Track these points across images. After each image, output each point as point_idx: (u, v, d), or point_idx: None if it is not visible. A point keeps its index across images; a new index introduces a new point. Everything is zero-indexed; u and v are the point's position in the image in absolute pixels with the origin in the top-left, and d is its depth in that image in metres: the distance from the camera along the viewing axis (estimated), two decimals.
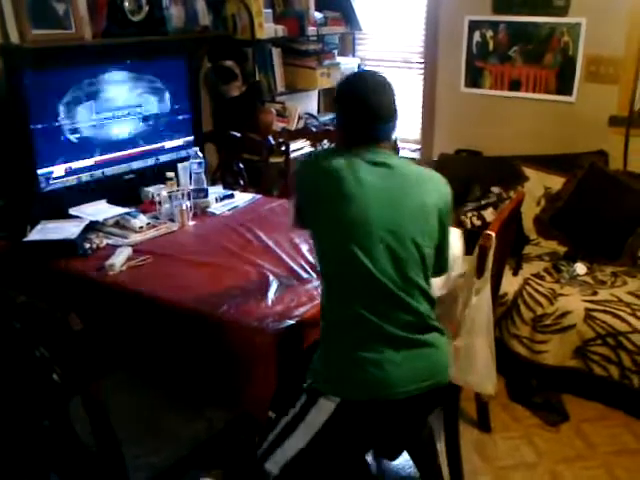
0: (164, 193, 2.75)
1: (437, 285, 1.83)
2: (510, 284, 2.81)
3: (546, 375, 2.76)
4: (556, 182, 3.35)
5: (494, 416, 2.61)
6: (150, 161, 3.03)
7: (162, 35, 3.03)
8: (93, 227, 2.53)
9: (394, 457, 2.15)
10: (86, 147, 2.75)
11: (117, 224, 2.60)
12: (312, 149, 3.69)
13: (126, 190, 2.86)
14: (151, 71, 2.91)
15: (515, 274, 2.91)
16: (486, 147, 3.74)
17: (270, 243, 2.43)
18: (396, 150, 1.73)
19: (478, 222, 3.18)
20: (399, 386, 1.57)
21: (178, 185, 2.87)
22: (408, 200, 1.59)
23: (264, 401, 1.76)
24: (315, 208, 1.65)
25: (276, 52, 3.57)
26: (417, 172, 1.67)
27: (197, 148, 2.97)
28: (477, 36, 3.68)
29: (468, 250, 2.16)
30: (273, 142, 3.25)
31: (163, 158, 3.08)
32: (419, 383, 1.59)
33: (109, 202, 2.79)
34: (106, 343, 1.99)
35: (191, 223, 2.67)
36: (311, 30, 3.66)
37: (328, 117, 4.10)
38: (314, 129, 3.52)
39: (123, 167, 2.91)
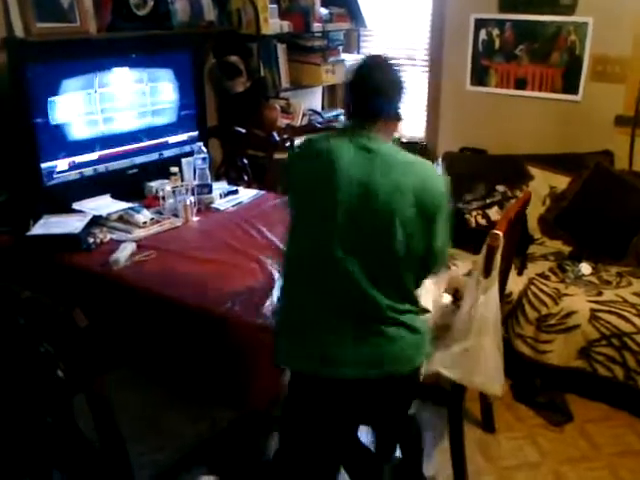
0: (168, 188, 2.74)
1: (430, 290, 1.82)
2: (515, 284, 2.79)
3: (550, 375, 2.75)
4: (561, 181, 3.34)
5: (498, 416, 2.60)
6: (154, 156, 3.02)
7: (167, 29, 3.01)
8: (97, 222, 2.52)
9: (387, 457, 2.11)
10: (90, 141, 2.73)
11: (121, 219, 2.59)
12: None
13: (130, 185, 2.85)
14: (156, 66, 2.90)
15: (520, 274, 2.89)
16: (491, 145, 3.72)
17: (274, 239, 2.42)
18: (397, 128, 1.69)
19: (483, 221, 3.16)
20: (340, 365, 1.57)
21: (182, 180, 2.86)
22: (381, 186, 1.52)
23: (269, 398, 1.75)
24: (291, 189, 1.72)
25: (281, 48, 3.55)
26: (399, 158, 1.59)
27: (201, 143, 2.96)
28: (483, 34, 3.66)
29: (474, 249, 2.15)
30: (278, 138, 3.24)
31: (167, 153, 3.06)
32: (364, 369, 1.58)
33: (113, 197, 2.78)
34: (110, 339, 1.98)
35: (195, 219, 2.65)
36: (316, 26, 3.64)
37: (332, 114, 4.08)
38: (318, 125, 3.50)
39: (127, 162, 2.90)
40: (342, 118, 4.12)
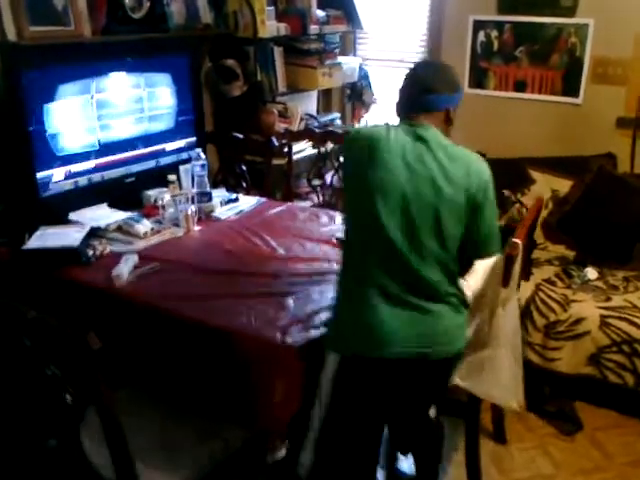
0: (167, 197, 2.66)
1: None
2: (522, 290, 2.74)
3: (559, 383, 2.72)
4: (563, 185, 3.31)
5: (508, 426, 2.55)
6: (151, 163, 2.93)
7: (163, 32, 2.92)
8: (95, 233, 2.43)
9: (406, 448, 2.08)
10: (86, 149, 2.64)
11: (120, 229, 2.51)
12: (314, 151, 3.61)
13: (127, 194, 2.76)
14: (153, 70, 2.82)
15: (527, 279, 2.85)
16: (491, 149, 3.63)
17: (280, 249, 2.36)
18: (448, 122, 1.75)
19: None
20: (386, 343, 1.61)
21: (180, 188, 2.78)
22: (434, 172, 1.61)
23: (285, 419, 1.68)
24: (348, 171, 1.80)
25: (278, 51, 3.48)
26: (451, 149, 1.66)
27: (200, 150, 2.88)
28: (481, 36, 3.62)
29: None
30: (277, 143, 3.17)
31: (164, 160, 2.98)
32: (408, 346, 1.62)
33: (110, 206, 2.69)
34: (116, 357, 1.90)
35: (196, 228, 2.57)
36: (313, 29, 3.57)
37: (328, 117, 4.02)
38: (317, 130, 3.43)
39: (123, 170, 2.81)
40: (338, 122, 4.07)
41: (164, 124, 2.94)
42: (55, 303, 2.13)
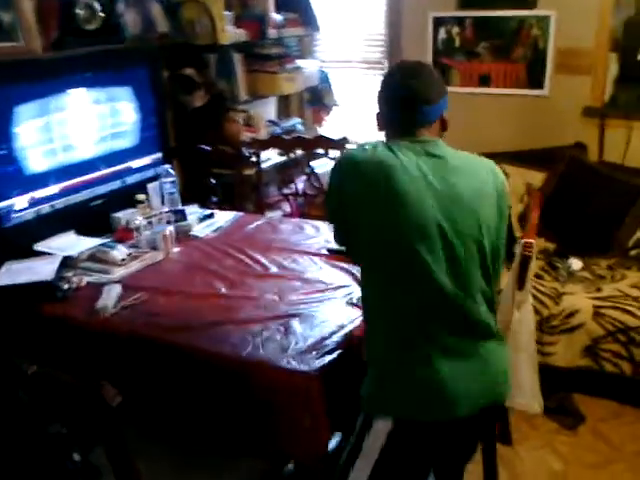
0: (140, 218, 2.49)
1: None
2: None
3: (556, 377, 2.69)
4: (536, 177, 3.30)
5: (512, 426, 2.50)
6: (116, 184, 2.75)
7: (119, 44, 2.74)
8: (66, 264, 2.24)
9: None
10: (47, 173, 2.44)
11: (93, 258, 2.32)
12: (281, 159, 3.50)
13: (94, 218, 2.57)
14: (112, 84, 2.64)
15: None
16: (459, 146, 3.62)
17: (272, 266, 2.23)
18: (444, 128, 1.57)
19: None
20: (452, 404, 1.41)
21: (150, 208, 2.62)
22: (464, 191, 1.43)
23: (318, 450, 1.56)
24: (359, 209, 1.45)
25: (238, 57, 3.34)
26: (468, 160, 1.52)
27: (168, 165, 2.73)
28: (442, 33, 3.58)
29: None
30: (247, 153, 3.04)
31: (130, 179, 2.80)
32: (474, 402, 1.44)
33: (77, 233, 2.50)
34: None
35: (175, 250, 2.42)
36: (272, 33, 3.45)
37: (290, 123, 3.90)
38: (285, 137, 3.31)
39: (89, 192, 2.62)
40: (300, 127, 3.96)
41: (128, 141, 2.76)
42: (36, 344, 1.94)
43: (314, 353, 1.66)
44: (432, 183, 1.41)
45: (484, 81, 3.55)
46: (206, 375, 1.73)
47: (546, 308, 2.66)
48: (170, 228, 2.43)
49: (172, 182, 2.70)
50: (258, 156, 3.22)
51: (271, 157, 3.48)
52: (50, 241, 2.40)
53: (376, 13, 3.79)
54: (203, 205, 2.96)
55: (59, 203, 2.50)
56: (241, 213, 2.81)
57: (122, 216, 2.58)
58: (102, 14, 2.64)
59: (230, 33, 3.18)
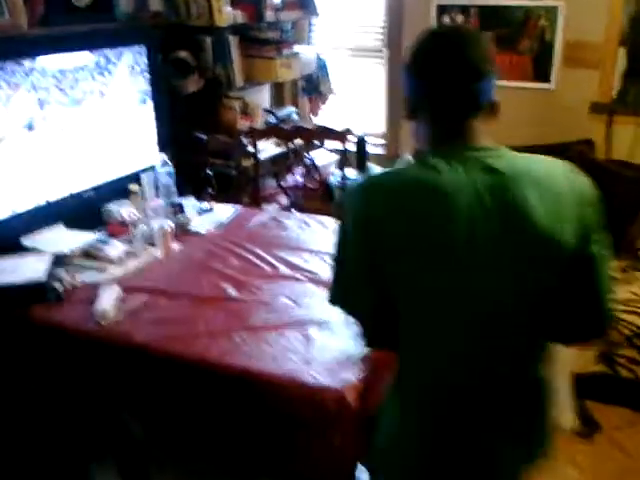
0: (135, 211, 2.31)
1: None
2: None
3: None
4: None
5: None
6: (109, 173, 2.54)
7: (110, 22, 2.54)
8: (58, 261, 2.05)
9: None
10: (35, 162, 2.23)
11: (87, 254, 2.14)
12: (281, 149, 3.33)
13: (84, 210, 2.38)
14: (105, 64, 2.43)
15: None
16: None
17: (281, 266, 2.08)
18: (494, 114, 1.12)
19: None
20: None
21: (144, 199, 2.44)
22: (538, 218, 1.04)
23: (347, 471, 1.43)
24: (388, 261, 1.07)
25: (234, 41, 3.15)
26: (544, 175, 1.09)
27: (164, 154, 2.54)
28: (446, 21, 3.45)
29: None
30: (249, 144, 2.86)
31: (123, 168, 2.60)
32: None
33: (66, 226, 2.31)
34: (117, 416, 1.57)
35: (175, 247, 2.24)
36: (269, 15, 3.27)
37: (285, 112, 3.73)
38: (284, 127, 3.14)
39: (79, 182, 2.41)
40: (295, 117, 3.79)
41: (121, 126, 2.56)
42: (29, 354, 1.75)
43: (342, 365, 1.52)
44: (493, 219, 1.04)
45: None
46: (220, 389, 1.57)
47: None
48: (169, 223, 2.25)
49: (168, 172, 2.51)
50: (255, 146, 3.04)
51: (267, 147, 3.31)
52: (39, 235, 2.20)
53: (376, 1, 3.64)
54: (198, 197, 2.78)
55: (47, 195, 2.30)
56: (241, 207, 2.64)
57: (115, 208, 2.39)
58: None
59: (227, 15, 2.99)
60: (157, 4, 2.82)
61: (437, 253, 1.05)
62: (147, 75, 2.59)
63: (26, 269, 1.93)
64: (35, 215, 2.24)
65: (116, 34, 2.54)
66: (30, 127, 2.18)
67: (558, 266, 1.08)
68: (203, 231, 2.38)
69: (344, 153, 3.00)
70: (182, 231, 2.36)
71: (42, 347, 1.76)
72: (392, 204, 1.07)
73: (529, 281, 1.07)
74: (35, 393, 1.39)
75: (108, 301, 1.79)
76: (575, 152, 3.14)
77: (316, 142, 3.27)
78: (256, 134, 3.02)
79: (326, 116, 3.91)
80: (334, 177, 3.33)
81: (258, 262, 2.11)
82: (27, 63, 2.13)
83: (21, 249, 2.12)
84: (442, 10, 3.44)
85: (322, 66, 3.76)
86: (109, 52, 2.40)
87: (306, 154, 3.07)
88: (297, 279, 1.99)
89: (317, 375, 1.49)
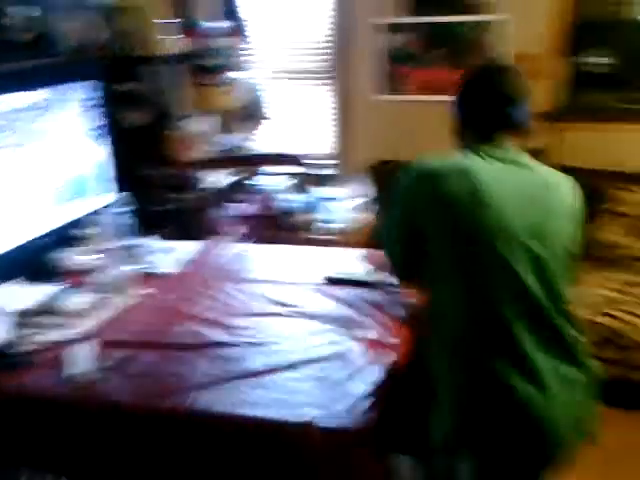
0: (93, 257, 2.15)
1: None
2: None
3: None
4: None
5: None
6: (61, 218, 2.36)
7: (55, 57, 2.38)
8: (19, 321, 1.86)
9: None
10: None
11: (47, 310, 1.94)
12: (232, 178, 3.22)
13: (37, 261, 2.19)
14: (51, 101, 2.27)
15: None
16: (413, 155, 3.50)
17: (264, 302, 1.97)
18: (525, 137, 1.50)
19: None
20: (556, 440, 1.28)
21: (104, 243, 2.28)
22: (548, 202, 1.38)
23: None
24: (438, 218, 1.36)
25: (181, 69, 3.03)
26: (549, 173, 1.45)
27: (124, 193, 2.40)
28: (393, 40, 3.44)
29: None
30: (199, 176, 2.74)
31: (77, 211, 2.42)
32: (573, 433, 1.32)
33: (20, 281, 2.12)
34: None
35: (144, 292, 2.09)
36: (211, 43, 3.17)
37: (228, 139, 3.61)
38: (235, 156, 3.04)
39: (28, 231, 2.23)
40: (238, 143, 3.68)
41: (75, 167, 2.39)
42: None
43: (351, 403, 1.43)
44: (516, 191, 1.35)
45: (437, 89, 3.44)
46: (221, 444, 1.44)
47: None
48: (135, 267, 2.10)
49: (125, 212, 2.37)
50: (206, 178, 2.93)
51: (217, 178, 3.19)
52: None
53: (320, 22, 3.61)
54: (155, 236, 2.63)
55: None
56: (204, 242, 2.52)
57: (72, 256, 2.22)
58: (36, 23, 2.27)
59: (170, 43, 2.88)
60: (103, 36, 2.67)
61: (462, 206, 1.33)
62: (97, 110, 2.44)
63: None
64: None
65: (61, 69, 2.37)
66: None
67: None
68: (170, 272, 2.24)
69: (300, 177, 2.94)
70: (148, 274, 2.21)
71: (11, 421, 1.57)
72: (436, 179, 1.36)
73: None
74: None
75: (81, 360, 1.63)
76: None
77: (267, 168, 3.19)
78: (207, 165, 2.90)
79: (264, 141, 3.80)
80: (287, 203, 3.25)
81: (238, 300, 1.99)
82: None
83: None
84: (389, 29, 3.43)
85: (258, 91, 3.68)
86: (55, 89, 2.25)
87: (257, 182, 2.97)
88: (284, 315, 1.89)
89: (331, 419, 1.39)
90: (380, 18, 3.42)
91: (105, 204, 2.39)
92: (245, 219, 3.15)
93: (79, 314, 1.91)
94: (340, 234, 3.04)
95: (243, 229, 3.11)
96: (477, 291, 1.32)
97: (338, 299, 1.96)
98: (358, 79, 3.61)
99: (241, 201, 3.16)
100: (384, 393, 1.51)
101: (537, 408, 1.26)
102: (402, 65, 3.47)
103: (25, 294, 2.01)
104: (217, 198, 3.14)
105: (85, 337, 1.77)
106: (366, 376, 1.55)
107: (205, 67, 3.23)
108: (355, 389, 1.50)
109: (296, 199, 2.98)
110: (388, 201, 1.50)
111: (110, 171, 2.55)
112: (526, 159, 1.44)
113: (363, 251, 2.31)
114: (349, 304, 1.92)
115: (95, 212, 2.39)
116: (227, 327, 1.83)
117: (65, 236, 2.31)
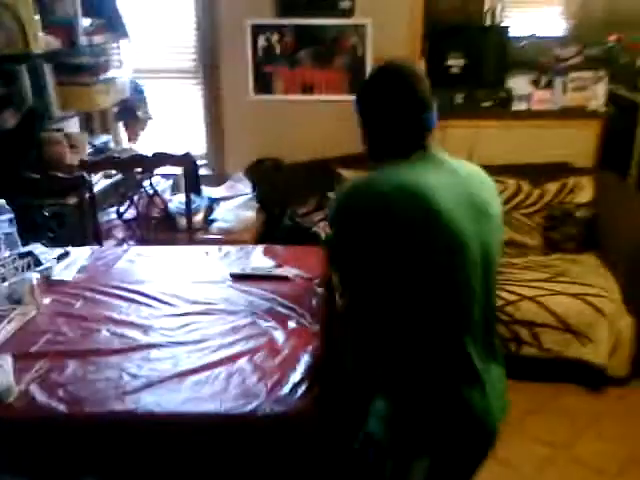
0: None
1: None
2: None
3: None
4: None
5: None
6: None
7: None
8: None
9: None
10: None
11: None
12: (113, 180, 3.12)
13: None
14: None
15: None
16: (288, 154, 3.63)
17: (176, 301, 1.98)
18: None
19: None
20: (492, 427, 1.38)
21: None
22: (487, 205, 1.39)
23: None
24: (393, 246, 1.27)
25: (48, 69, 2.88)
26: (473, 169, 1.46)
27: (3, 201, 2.26)
28: (262, 40, 3.53)
29: None
30: (88, 178, 2.65)
31: None
32: (501, 415, 1.42)
33: None
34: None
35: (47, 301, 2.00)
36: (82, 40, 3.05)
37: (100, 140, 3.49)
38: (121, 157, 2.94)
39: None
40: (112, 145, 3.59)
41: None
42: None
43: (289, 388, 1.51)
44: (455, 199, 1.32)
45: (307, 88, 3.59)
46: (170, 443, 1.46)
47: None
48: (35, 275, 2.00)
49: (9, 219, 2.24)
50: (90, 180, 2.82)
51: (99, 180, 3.08)
52: None
53: (187, 21, 3.60)
54: (40, 242, 2.49)
55: None
56: (95, 247, 2.45)
57: None
58: None
59: (41, 41, 2.73)
60: None
61: (416, 227, 1.28)
62: None
63: None
64: None
65: None
66: None
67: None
68: (68, 278, 2.15)
69: (188, 177, 2.94)
70: (45, 282, 2.11)
71: None
72: (375, 206, 1.28)
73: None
74: None
75: (3, 375, 1.55)
76: None
77: (151, 169, 3.14)
78: (90, 167, 2.80)
79: (146, 142, 3.74)
80: (174, 203, 3.22)
81: (151, 302, 1.97)
82: None
83: None
84: (258, 30, 3.51)
85: (139, 91, 3.60)
86: None
87: (145, 182, 2.92)
88: (200, 312, 1.91)
89: (272, 406, 1.46)
90: (248, 19, 3.49)
91: None
92: (131, 222, 3.07)
93: None
94: (228, 233, 3.08)
95: (130, 232, 3.03)
96: (438, 314, 1.32)
97: (251, 293, 2.01)
98: (228, 79, 3.65)
99: (127, 203, 3.07)
100: (316, 378, 1.60)
101: (479, 408, 1.33)
102: (270, 65, 3.57)
103: None
104: (101, 200, 3.03)
105: None
106: (296, 363, 1.63)
107: (78, 65, 3.09)
108: (288, 376, 1.57)
109: (182, 200, 2.96)
110: (333, 224, 1.44)
111: None
112: (450, 158, 1.41)
113: (261, 247, 2.39)
114: (263, 297, 1.98)
115: None
116: (147, 329, 1.82)
117: None
